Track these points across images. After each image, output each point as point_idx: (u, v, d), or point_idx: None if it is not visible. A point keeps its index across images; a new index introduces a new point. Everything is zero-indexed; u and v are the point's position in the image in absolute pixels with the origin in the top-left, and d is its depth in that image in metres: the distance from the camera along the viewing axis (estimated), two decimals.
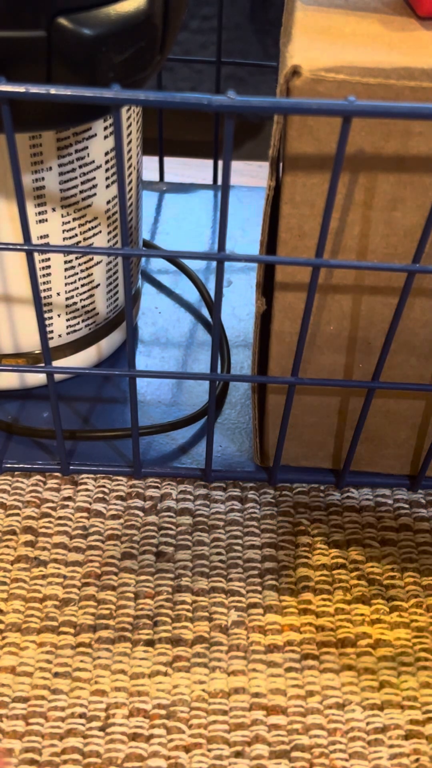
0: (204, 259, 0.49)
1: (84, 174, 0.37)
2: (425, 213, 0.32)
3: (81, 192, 0.38)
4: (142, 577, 0.37)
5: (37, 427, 0.42)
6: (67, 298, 0.41)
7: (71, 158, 0.37)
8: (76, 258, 0.40)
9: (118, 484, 0.40)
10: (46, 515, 0.39)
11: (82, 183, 0.38)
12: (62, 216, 0.38)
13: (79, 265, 0.40)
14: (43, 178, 0.36)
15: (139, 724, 0.32)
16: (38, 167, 0.36)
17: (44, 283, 0.39)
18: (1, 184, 0.36)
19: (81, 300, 0.41)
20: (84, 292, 0.41)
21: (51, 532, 0.38)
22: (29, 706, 0.32)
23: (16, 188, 0.30)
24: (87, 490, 0.40)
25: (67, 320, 0.41)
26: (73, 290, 0.41)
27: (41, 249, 0.32)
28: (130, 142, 0.39)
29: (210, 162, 0.59)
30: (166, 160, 0.58)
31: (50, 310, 0.41)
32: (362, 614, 0.36)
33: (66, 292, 0.40)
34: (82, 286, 0.41)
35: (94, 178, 0.38)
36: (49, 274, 0.39)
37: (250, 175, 0.63)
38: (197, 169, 0.61)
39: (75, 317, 0.42)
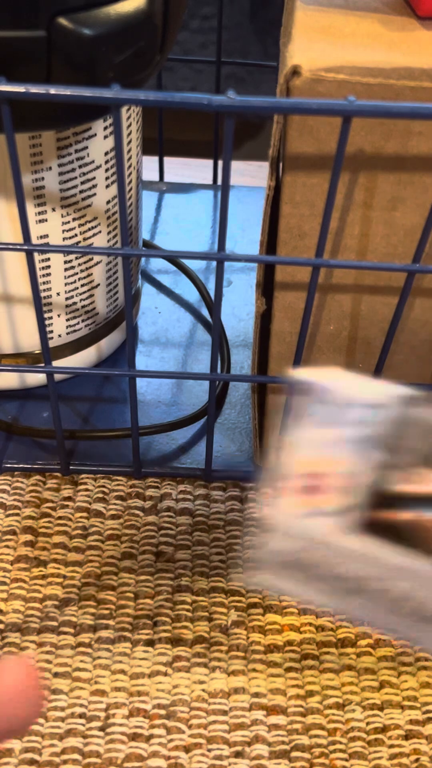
0: (204, 259, 0.49)
1: (84, 174, 0.37)
2: (425, 213, 0.32)
3: (81, 192, 0.38)
4: (142, 577, 0.37)
5: (37, 427, 0.42)
6: (66, 298, 0.41)
7: (71, 158, 0.36)
8: (76, 258, 0.40)
9: (118, 484, 0.40)
10: (45, 515, 0.39)
11: (82, 183, 0.38)
12: (62, 216, 0.38)
13: (79, 265, 0.40)
14: (42, 178, 0.36)
15: (139, 724, 0.32)
16: (38, 167, 0.36)
17: (44, 283, 0.39)
18: (0, 184, 0.36)
19: (81, 300, 0.41)
20: (84, 292, 0.41)
21: (51, 532, 0.38)
22: None
23: (15, 188, 0.30)
24: (87, 490, 0.40)
25: (67, 320, 0.41)
26: (72, 290, 0.40)
27: (41, 249, 0.32)
28: (129, 142, 0.39)
29: (210, 162, 0.59)
30: (166, 160, 0.58)
31: (50, 310, 0.40)
32: None
33: (66, 292, 0.40)
34: (82, 286, 0.41)
35: (94, 178, 0.38)
36: (48, 274, 0.39)
37: (250, 175, 0.63)
38: (197, 169, 0.61)
39: (75, 317, 0.42)
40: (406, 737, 0.32)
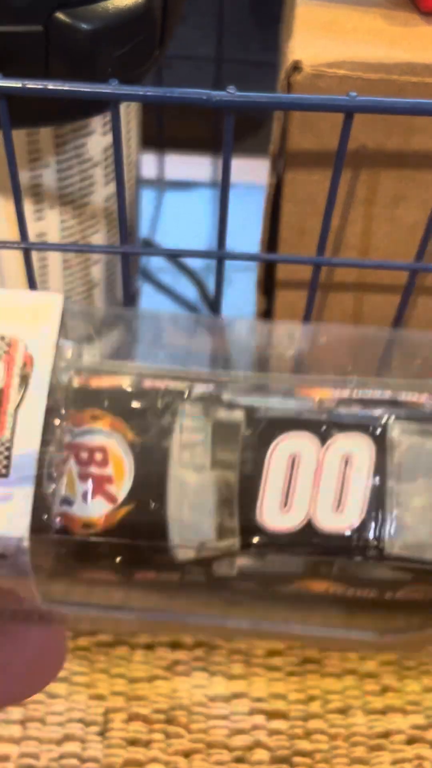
0: (204, 257, 0.48)
1: (82, 171, 0.37)
2: (428, 210, 0.31)
3: (79, 189, 0.37)
4: None
5: None
6: (65, 298, 0.40)
7: (69, 155, 0.36)
8: (74, 256, 0.39)
9: None
10: None
11: (80, 180, 0.37)
12: (60, 213, 0.37)
13: (78, 263, 0.40)
14: (40, 175, 0.36)
15: (138, 728, 0.32)
16: (36, 164, 0.36)
17: (42, 281, 0.39)
18: None
19: (79, 299, 0.41)
20: (82, 291, 0.41)
21: None
22: (26, 711, 0.32)
23: (13, 185, 0.30)
24: None
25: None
26: (71, 289, 0.40)
27: (38, 247, 0.32)
28: (129, 138, 0.39)
29: (210, 159, 0.58)
30: (166, 156, 0.58)
31: None
32: None
33: (64, 291, 0.40)
34: (81, 284, 0.40)
35: (92, 175, 0.38)
36: (46, 273, 0.39)
37: (251, 172, 0.63)
38: (197, 166, 0.61)
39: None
40: (409, 742, 0.32)
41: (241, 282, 0.51)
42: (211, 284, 0.50)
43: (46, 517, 0.20)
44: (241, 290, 0.50)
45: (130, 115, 0.39)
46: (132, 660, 0.34)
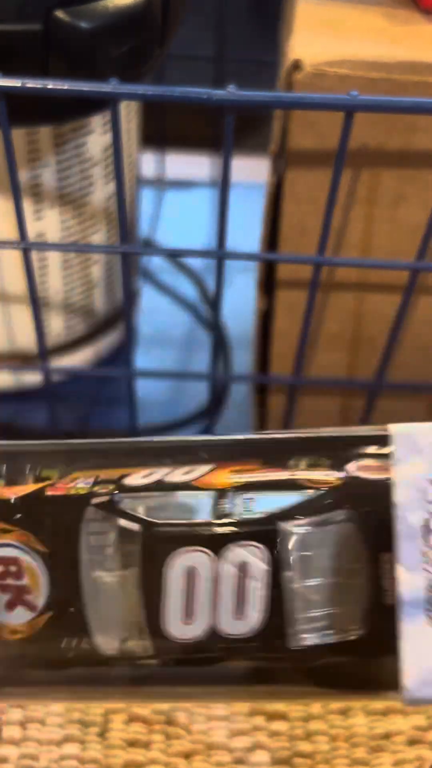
0: (204, 257, 0.48)
1: (82, 170, 0.37)
2: (429, 209, 0.31)
3: (79, 189, 0.37)
4: None
5: (35, 427, 0.41)
6: (64, 297, 0.40)
7: (69, 154, 0.36)
8: (74, 256, 0.39)
9: None
10: None
11: (80, 179, 0.37)
12: (60, 213, 0.37)
13: (78, 263, 0.40)
14: (40, 175, 0.36)
15: (138, 729, 0.32)
16: (35, 163, 0.35)
17: (41, 281, 0.39)
18: None
19: (79, 299, 0.41)
20: (82, 291, 0.41)
21: None
22: (26, 711, 0.32)
23: (12, 185, 0.29)
24: None
25: (65, 319, 0.41)
26: (70, 289, 0.40)
27: (38, 247, 0.32)
28: (128, 137, 0.39)
29: (210, 158, 0.58)
30: (166, 156, 0.58)
31: (48, 309, 0.40)
32: None
33: (64, 290, 0.40)
34: (81, 284, 0.40)
35: (92, 174, 0.37)
36: (46, 273, 0.39)
37: (251, 172, 0.63)
38: (197, 166, 0.61)
39: (73, 316, 0.41)
40: (410, 743, 0.32)
41: (241, 282, 0.51)
42: (211, 284, 0.50)
43: None
44: (241, 290, 0.50)
45: (130, 114, 0.39)
46: None
